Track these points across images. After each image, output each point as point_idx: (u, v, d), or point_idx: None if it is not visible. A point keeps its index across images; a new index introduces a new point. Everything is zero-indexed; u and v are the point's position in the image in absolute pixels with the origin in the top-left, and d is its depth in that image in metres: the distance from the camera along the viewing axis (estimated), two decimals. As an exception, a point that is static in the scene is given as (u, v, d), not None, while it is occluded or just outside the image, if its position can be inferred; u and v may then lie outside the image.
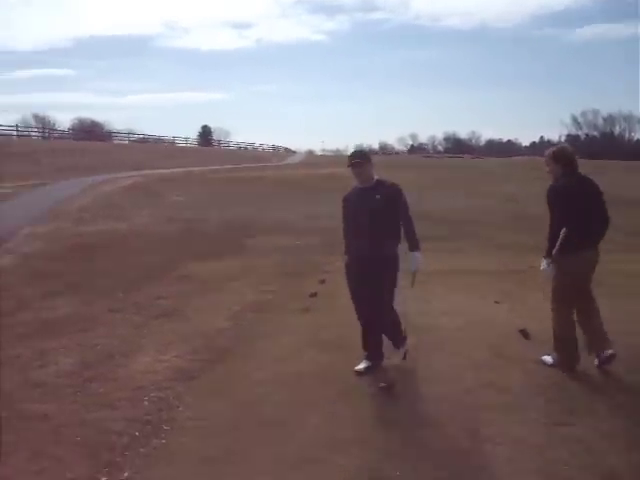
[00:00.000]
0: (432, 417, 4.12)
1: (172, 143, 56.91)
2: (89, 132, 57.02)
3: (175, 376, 4.99)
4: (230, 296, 7.61)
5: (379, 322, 4.91)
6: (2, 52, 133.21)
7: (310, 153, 70.73)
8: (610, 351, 4.78)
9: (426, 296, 7.18)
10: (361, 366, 4.92)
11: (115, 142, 52.49)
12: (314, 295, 7.37)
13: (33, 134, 48.78)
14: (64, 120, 66.92)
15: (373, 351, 4.99)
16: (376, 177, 4.91)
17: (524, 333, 5.69)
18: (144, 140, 55.34)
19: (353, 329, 5.14)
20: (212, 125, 77.85)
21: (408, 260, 4.84)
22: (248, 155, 49.05)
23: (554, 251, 4.73)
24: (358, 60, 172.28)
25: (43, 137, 49.06)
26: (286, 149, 72.30)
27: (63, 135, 52.48)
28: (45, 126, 56.41)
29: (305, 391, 4.61)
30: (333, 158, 54.62)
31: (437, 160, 45.62)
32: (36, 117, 60.30)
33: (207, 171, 27.96)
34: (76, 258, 10.04)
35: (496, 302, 6.99)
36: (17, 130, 44.06)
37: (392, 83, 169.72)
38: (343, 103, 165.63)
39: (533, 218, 12.52)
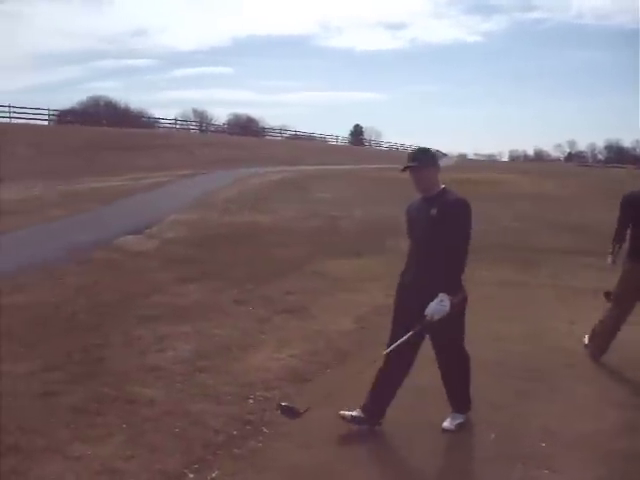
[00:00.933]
0: (561, 460, 3.55)
1: (323, 141, 57.83)
2: (244, 127, 59.36)
3: (287, 376, 4.77)
4: (361, 297, 7.31)
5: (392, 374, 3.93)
6: (166, 52, 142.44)
7: (462, 157, 69.05)
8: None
9: (571, 316, 6.51)
10: (350, 412, 3.87)
11: (268, 138, 54.22)
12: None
13: (191, 128, 51.60)
14: (221, 115, 70.09)
15: (375, 405, 3.94)
16: (443, 186, 3.84)
17: (607, 295, 5.22)
18: (296, 137, 56.63)
19: (488, 346, 4.68)
20: (364, 124, 78.36)
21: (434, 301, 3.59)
22: (398, 156, 48.63)
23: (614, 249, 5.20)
24: (515, 62, 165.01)
25: (200, 130, 51.75)
26: (437, 151, 71.07)
27: (218, 129, 55.07)
28: (203, 120, 59.36)
29: (424, 409, 4.19)
30: (486, 163, 53.06)
31: (596, 169, 42.70)
32: (195, 112, 63.52)
33: (356, 169, 27.93)
34: (215, 247, 10.21)
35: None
36: (176, 123, 46.82)
37: (550, 86, 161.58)
38: (498, 106, 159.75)
39: None
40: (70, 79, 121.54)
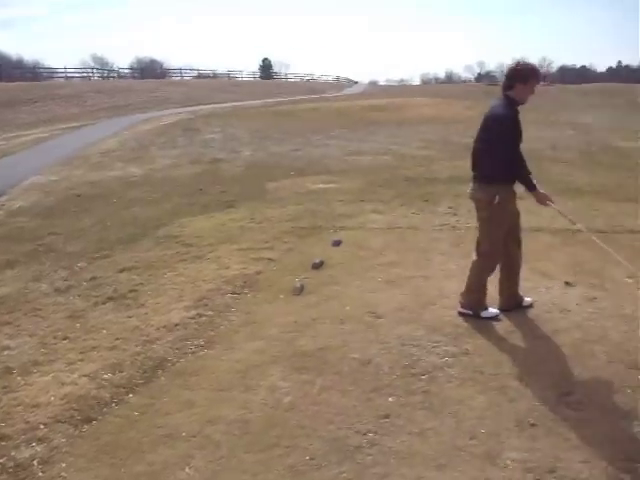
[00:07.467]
0: None
1: (228, 77, 54.75)
2: (143, 70, 55.63)
3: (66, 417, 3.32)
4: (209, 267, 5.75)
5: None
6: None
7: (373, 84, 67.36)
8: None
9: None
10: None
11: (174, 79, 50.64)
12: (318, 266, 5.53)
13: (93, 75, 47.66)
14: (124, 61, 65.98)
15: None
16: None
17: None
18: (200, 76, 53.36)
19: (351, 333, 3.33)
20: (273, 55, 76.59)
21: None
22: (305, 87, 46.41)
23: None
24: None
25: (102, 78, 48.05)
26: (348, 80, 68.79)
27: (122, 75, 51.30)
28: (102, 67, 55.29)
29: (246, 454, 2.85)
30: (395, 88, 51.81)
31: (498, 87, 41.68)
32: (94, 58, 59.29)
33: (255, 105, 26.15)
34: (64, 214, 8.52)
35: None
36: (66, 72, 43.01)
37: (460, 9, 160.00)
38: (410, 32, 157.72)
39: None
40: None
